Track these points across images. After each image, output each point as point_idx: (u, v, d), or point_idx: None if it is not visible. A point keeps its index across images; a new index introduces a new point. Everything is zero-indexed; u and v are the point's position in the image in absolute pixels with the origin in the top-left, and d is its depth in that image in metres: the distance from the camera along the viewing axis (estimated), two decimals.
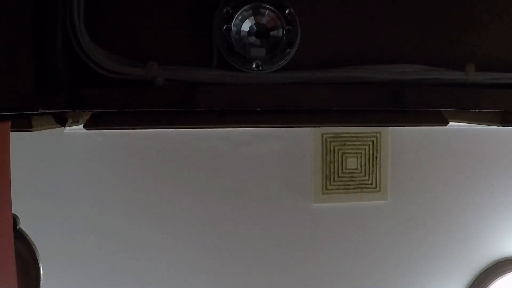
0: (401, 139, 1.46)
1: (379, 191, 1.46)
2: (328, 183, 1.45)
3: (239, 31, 0.69)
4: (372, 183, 1.46)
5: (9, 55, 0.63)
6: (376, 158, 1.46)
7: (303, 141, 1.43)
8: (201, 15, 0.70)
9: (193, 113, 0.73)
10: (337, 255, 1.47)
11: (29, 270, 0.81)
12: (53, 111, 0.67)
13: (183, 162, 1.39)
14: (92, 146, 1.36)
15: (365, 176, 1.46)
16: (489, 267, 1.51)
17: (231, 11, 0.68)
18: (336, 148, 1.44)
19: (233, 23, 0.68)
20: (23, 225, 0.81)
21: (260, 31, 0.70)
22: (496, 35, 0.75)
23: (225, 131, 1.39)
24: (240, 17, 0.68)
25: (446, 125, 0.81)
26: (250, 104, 0.68)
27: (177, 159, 1.39)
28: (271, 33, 0.70)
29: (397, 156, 1.47)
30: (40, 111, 0.65)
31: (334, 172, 1.45)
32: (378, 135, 1.45)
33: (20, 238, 0.80)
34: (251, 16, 0.69)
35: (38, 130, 0.71)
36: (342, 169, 1.45)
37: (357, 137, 1.45)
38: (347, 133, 1.44)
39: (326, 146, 1.44)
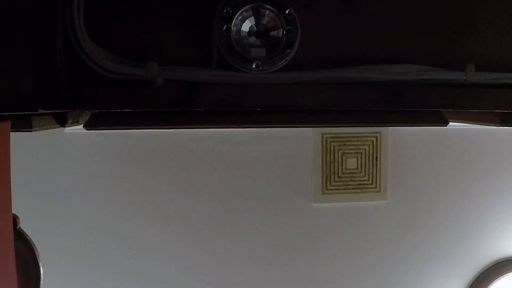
0: (401, 139, 1.46)
1: (379, 191, 1.46)
2: (328, 183, 1.45)
3: (239, 31, 0.69)
4: (372, 183, 1.46)
5: (9, 55, 0.63)
6: (376, 158, 1.46)
7: (303, 141, 1.43)
8: (201, 15, 0.71)
9: (193, 113, 0.73)
10: (337, 255, 1.47)
11: (29, 270, 0.81)
12: (53, 111, 0.67)
13: (183, 162, 1.39)
14: (92, 146, 1.36)
15: (365, 176, 1.46)
16: (489, 267, 1.51)
17: (231, 11, 0.68)
18: (336, 148, 1.45)
19: (233, 23, 0.68)
20: (23, 225, 0.81)
21: (260, 32, 0.70)
22: (496, 35, 0.75)
23: (225, 131, 1.39)
24: (240, 17, 0.68)
25: (446, 125, 0.81)
26: (250, 104, 0.68)
27: (177, 159, 1.39)
28: (271, 33, 0.70)
29: (397, 156, 1.47)
30: (40, 111, 0.65)
31: (334, 172, 1.45)
32: (378, 135, 1.45)
33: (20, 238, 0.80)
34: (251, 16, 0.69)
35: (38, 130, 0.71)
36: (342, 169, 1.45)
37: (357, 137, 1.45)
38: (347, 133, 1.44)
39: (326, 146, 1.44)
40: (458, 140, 1.47)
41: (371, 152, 1.46)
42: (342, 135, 1.44)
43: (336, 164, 1.45)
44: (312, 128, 1.41)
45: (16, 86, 0.63)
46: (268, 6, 0.69)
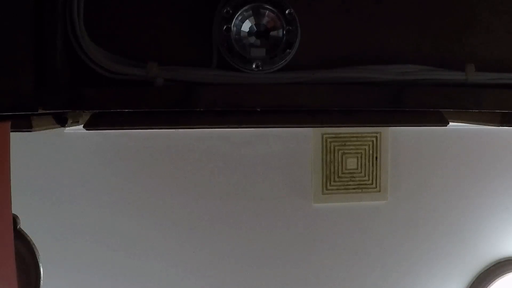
0: (401, 139, 1.46)
1: (379, 191, 1.46)
2: (328, 183, 1.45)
3: (239, 31, 0.69)
4: (372, 183, 1.46)
5: (9, 55, 0.63)
6: (376, 158, 1.46)
7: (303, 141, 1.43)
8: (201, 15, 0.71)
9: (193, 113, 0.73)
10: (337, 255, 1.47)
11: (29, 270, 0.81)
12: (53, 111, 0.67)
13: (183, 162, 1.39)
14: (92, 146, 1.36)
15: (365, 176, 1.46)
16: (489, 267, 1.51)
17: (231, 11, 0.68)
18: (336, 148, 1.45)
19: (233, 23, 0.68)
20: (23, 225, 0.81)
21: (260, 32, 0.70)
22: (496, 35, 0.75)
23: (225, 131, 1.39)
24: (240, 17, 0.68)
25: (446, 125, 0.81)
26: (250, 104, 0.68)
27: (177, 159, 1.39)
28: (271, 33, 0.70)
29: (397, 156, 1.47)
30: (40, 111, 0.65)
31: (334, 172, 1.45)
32: (378, 135, 1.45)
33: (20, 238, 0.80)
34: (251, 17, 0.69)
35: (38, 130, 0.71)
36: (342, 169, 1.45)
37: (357, 137, 1.45)
38: (347, 133, 1.44)
39: (326, 146, 1.44)
40: (458, 140, 1.47)
41: (371, 152, 1.46)
42: (342, 135, 1.44)
43: (336, 164, 1.45)
44: (312, 128, 1.41)
45: (16, 86, 0.63)
46: (268, 6, 0.69)
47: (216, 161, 1.40)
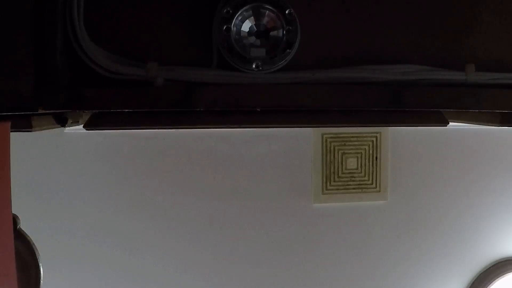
0: (401, 139, 1.46)
1: (379, 191, 1.46)
2: (328, 183, 1.45)
3: (239, 31, 0.69)
4: (372, 183, 1.46)
5: (9, 55, 0.63)
6: (376, 158, 1.46)
7: (303, 141, 1.43)
8: (201, 15, 0.71)
9: (193, 113, 0.73)
10: (337, 255, 1.47)
11: (29, 270, 0.81)
12: (53, 111, 0.67)
13: (183, 162, 1.39)
14: (92, 146, 1.36)
15: (365, 176, 1.46)
16: (489, 267, 1.51)
17: (231, 11, 0.68)
18: (336, 148, 1.45)
19: (233, 23, 0.68)
20: (23, 225, 0.81)
21: (260, 32, 0.70)
22: (496, 35, 0.75)
23: (225, 131, 1.39)
24: (240, 17, 0.68)
25: (446, 125, 0.81)
26: (250, 104, 0.68)
27: (177, 159, 1.39)
28: (271, 33, 0.70)
29: (397, 156, 1.47)
30: (40, 111, 0.65)
31: (334, 172, 1.45)
32: (378, 135, 1.45)
33: (20, 238, 0.80)
34: (251, 17, 0.69)
35: (38, 130, 0.71)
36: (342, 169, 1.45)
37: (357, 137, 1.45)
38: (347, 133, 1.44)
39: (326, 146, 1.44)
40: (458, 140, 1.47)
41: (371, 152, 1.46)
42: (342, 135, 1.44)
43: (336, 164, 1.45)
44: (312, 128, 1.41)
45: (16, 86, 0.63)
46: (268, 6, 0.69)
47: (216, 161, 1.40)
